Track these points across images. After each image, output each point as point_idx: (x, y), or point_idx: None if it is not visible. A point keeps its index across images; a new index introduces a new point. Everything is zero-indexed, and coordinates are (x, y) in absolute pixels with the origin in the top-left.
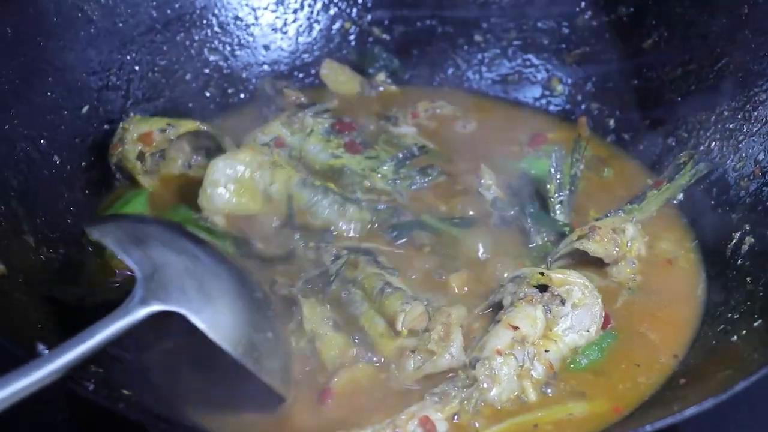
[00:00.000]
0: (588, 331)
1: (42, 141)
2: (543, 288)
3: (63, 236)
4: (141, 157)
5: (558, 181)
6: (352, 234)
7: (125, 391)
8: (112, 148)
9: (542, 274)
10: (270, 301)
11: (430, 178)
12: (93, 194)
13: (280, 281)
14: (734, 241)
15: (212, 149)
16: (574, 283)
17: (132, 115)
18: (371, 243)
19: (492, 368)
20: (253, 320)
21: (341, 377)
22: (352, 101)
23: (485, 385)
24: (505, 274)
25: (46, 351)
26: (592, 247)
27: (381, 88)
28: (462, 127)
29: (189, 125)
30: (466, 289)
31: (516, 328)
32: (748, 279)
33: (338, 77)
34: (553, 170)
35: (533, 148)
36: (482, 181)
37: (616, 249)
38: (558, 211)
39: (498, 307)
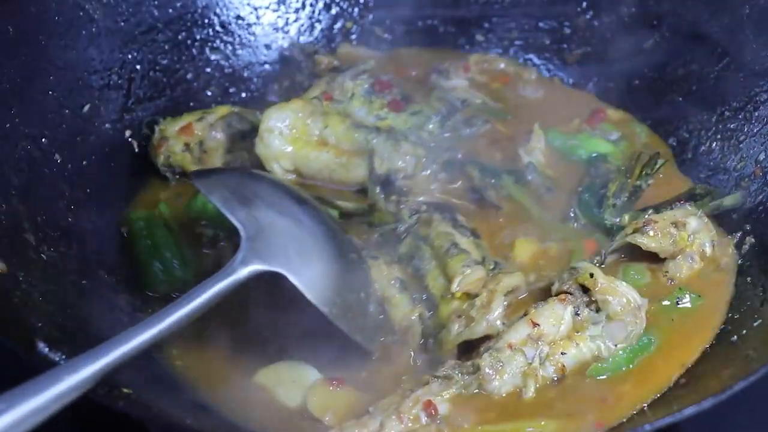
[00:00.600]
0: (615, 346)
1: (43, 140)
2: (586, 288)
3: (64, 235)
4: (187, 148)
5: (622, 185)
6: (408, 170)
7: (125, 390)
8: (156, 148)
9: (592, 275)
10: (364, 261)
11: (475, 128)
12: (94, 193)
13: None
14: (735, 241)
15: (246, 131)
16: (618, 295)
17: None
18: (451, 199)
19: (500, 361)
20: (347, 281)
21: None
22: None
23: (490, 374)
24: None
25: (47, 349)
26: (645, 242)
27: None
28: (529, 92)
29: (222, 110)
30: (529, 257)
31: (536, 324)
32: (749, 279)
33: (356, 58)
34: (626, 176)
35: (590, 125)
36: (530, 142)
37: (672, 244)
38: (608, 212)
39: (548, 292)
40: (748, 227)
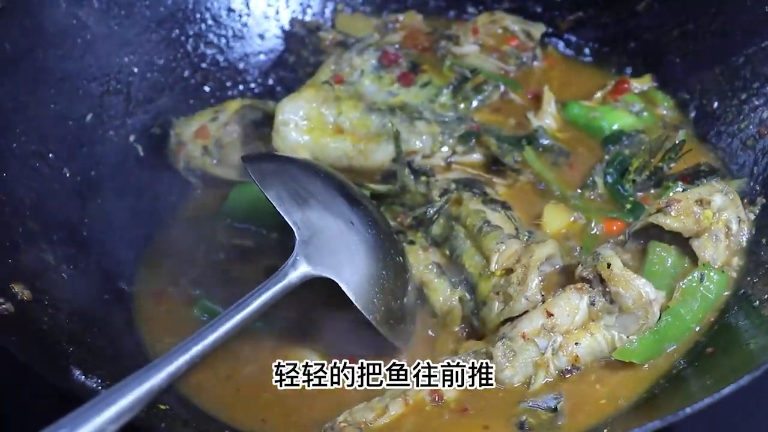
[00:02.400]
0: (628, 337)
1: (50, 155)
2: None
3: (81, 250)
4: (205, 151)
5: (645, 163)
6: (425, 150)
7: (162, 406)
8: (176, 154)
9: (609, 266)
10: (408, 266)
11: (486, 93)
12: (106, 202)
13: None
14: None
15: (259, 120)
16: (631, 289)
17: (176, 119)
18: (479, 173)
19: (512, 350)
20: (393, 288)
21: None
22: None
23: (503, 362)
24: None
25: (82, 377)
26: (668, 222)
27: (399, 20)
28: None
29: (234, 105)
30: (560, 226)
31: (551, 315)
32: (764, 241)
33: (356, 25)
34: (649, 154)
35: (614, 97)
36: (541, 106)
37: (696, 223)
38: (627, 185)
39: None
40: (758, 188)
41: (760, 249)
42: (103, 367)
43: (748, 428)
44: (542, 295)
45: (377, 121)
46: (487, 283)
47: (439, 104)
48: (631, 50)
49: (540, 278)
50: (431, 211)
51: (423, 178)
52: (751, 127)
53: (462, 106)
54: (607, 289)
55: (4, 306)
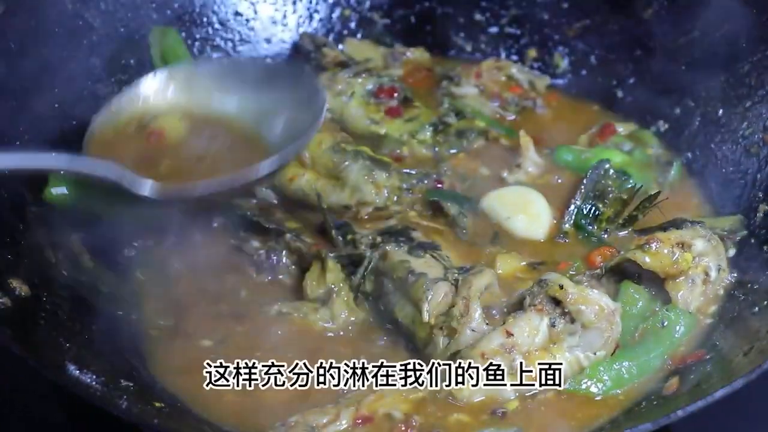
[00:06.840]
0: (595, 354)
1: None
2: (558, 300)
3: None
4: None
5: (617, 212)
6: (378, 202)
7: (157, 404)
8: None
9: (561, 287)
10: None
11: (467, 141)
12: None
13: None
14: (749, 211)
15: None
16: (591, 303)
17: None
18: (406, 219)
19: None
20: None
21: None
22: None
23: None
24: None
25: (77, 372)
26: (645, 259)
27: (406, 55)
28: (539, 105)
29: None
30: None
31: (510, 334)
32: (765, 248)
33: (362, 52)
34: (621, 204)
35: (602, 139)
36: (522, 152)
37: (673, 265)
38: (601, 230)
39: (519, 305)
40: (760, 195)
41: (760, 254)
42: (98, 363)
43: None
44: (487, 324)
45: (338, 160)
46: (424, 327)
47: (418, 140)
48: (636, 57)
49: (481, 309)
50: (361, 269)
51: (349, 237)
52: (755, 134)
53: (437, 148)
54: (566, 310)
55: (1, 300)
